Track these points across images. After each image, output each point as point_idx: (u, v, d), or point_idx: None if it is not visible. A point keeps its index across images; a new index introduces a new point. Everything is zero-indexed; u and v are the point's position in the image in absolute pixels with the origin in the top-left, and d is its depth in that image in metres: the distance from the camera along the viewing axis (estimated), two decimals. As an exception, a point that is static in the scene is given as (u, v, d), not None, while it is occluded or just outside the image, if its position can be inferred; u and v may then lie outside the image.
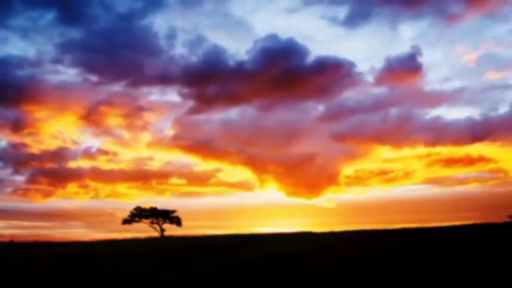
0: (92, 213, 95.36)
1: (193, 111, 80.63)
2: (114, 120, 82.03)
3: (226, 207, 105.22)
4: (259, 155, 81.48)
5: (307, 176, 77.73)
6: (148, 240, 37.07)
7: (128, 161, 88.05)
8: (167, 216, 57.43)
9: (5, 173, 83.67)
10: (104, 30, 75.11)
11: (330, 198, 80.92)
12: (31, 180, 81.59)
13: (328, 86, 78.37)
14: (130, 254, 23.53)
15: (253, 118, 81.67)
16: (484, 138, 72.10)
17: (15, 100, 75.30)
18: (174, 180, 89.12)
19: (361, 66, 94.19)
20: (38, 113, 79.19)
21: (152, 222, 57.27)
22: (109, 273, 17.83)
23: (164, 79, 77.68)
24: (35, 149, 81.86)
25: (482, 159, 78.54)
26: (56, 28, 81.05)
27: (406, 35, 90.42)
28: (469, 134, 71.73)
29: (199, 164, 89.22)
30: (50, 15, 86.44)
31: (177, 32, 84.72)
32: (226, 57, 74.75)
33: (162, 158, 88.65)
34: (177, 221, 57.44)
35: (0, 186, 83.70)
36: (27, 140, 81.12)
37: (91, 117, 79.46)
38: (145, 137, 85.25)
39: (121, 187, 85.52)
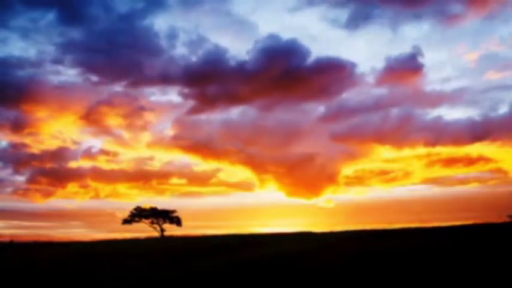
0: (92, 213, 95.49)
1: (193, 111, 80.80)
2: (114, 120, 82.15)
3: (227, 207, 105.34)
4: (259, 155, 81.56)
5: (307, 176, 77.78)
6: (148, 240, 37.07)
7: (128, 161, 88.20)
8: (167, 216, 57.44)
9: (5, 173, 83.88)
10: (104, 30, 75.30)
11: (329, 198, 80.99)
12: (31, 180, 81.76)
13: (329, 86, 78.54)
14: (130, 254, 23.53)
15: (253, 118, 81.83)
16: (484, 138, 72.22)
17: (16, 100, 75.52)
18: (174, 180, 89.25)
19: (362, 67, 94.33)
20: (38, 113, 79.35)
21: (152, 222, 57.28)
22: (109, 273, 17.83)
23: (165, 79, 77.85)
24: (35, 149, 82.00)
25: (482, 159, 78.66)
26: (56, 28, 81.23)
27: (406, 35, 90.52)
28: (469, 134, 71.84)
29: (199, 164, 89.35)
30: (50, 16, 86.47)
31: (177, 32, 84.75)
32: (227, 57, 74.90)
33: (162, 158, 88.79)
34: (177, 221, 57.45)
35: (1, 186, 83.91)
36: (27, 140, 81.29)
37: (91, 117, 79.62)
38: (146, 137, 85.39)
39: (121, 187, 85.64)
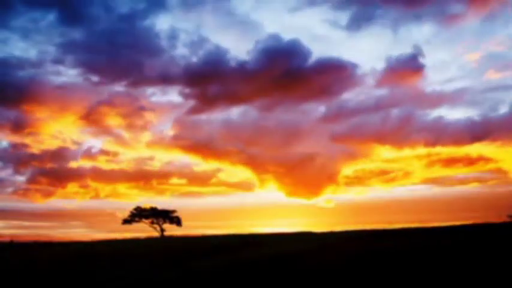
0: (92, 213, 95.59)
1: (193, 111, 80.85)
2: (114, 120, 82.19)
3: (227, 207, 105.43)
4: (259, 155, 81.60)
5: (307, 176, 77.80)
6: (148, 240, 37.06)
7: (128, 161, 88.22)
8: (167, 216, 57.44)
9: (6, 173, 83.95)
10: (104, 30, 75.36)
11: (329, 198, 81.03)
12: (31, 180, 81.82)
13: (330, 86, 78.63)
14: (130, 254, 23.53)
15: (254, 118, 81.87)
16: (484, 138, 72.25)
17: (16, 100, 75.59)
18: (175, 180, 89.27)
19: (363, 67, 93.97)
20: (39, 113, 79.40)
21: (152, 222, 57.28)
22: (109, 273, 17.83)
23: (165, 79, 77.94)
24: (36, 149, 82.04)
25: (482, 159, 78.68)
26: (56, 29, 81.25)
27: (407, 35, 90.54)
28: (469, 134, 71.87)
29: (199, 164, 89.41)
30: (50, 16, 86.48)
31: (178, 33, 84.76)
32: (228, 57, 74.95)
33: (162, 158, 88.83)
34: (177, 221, 57.45)
35: (1, 186, 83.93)
36: (27, 140, 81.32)
37: (91, 117, 79.68)
38: (146, 137, 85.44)
39: (121, 187, 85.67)
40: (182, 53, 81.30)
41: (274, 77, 74.80)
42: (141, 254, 23.25)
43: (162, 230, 56.98)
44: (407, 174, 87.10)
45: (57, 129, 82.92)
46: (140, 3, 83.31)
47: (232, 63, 74.63)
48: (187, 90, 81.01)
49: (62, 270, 19.12)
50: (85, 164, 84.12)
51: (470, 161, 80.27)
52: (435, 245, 18.14)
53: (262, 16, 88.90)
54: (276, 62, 73.02)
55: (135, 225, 57.17)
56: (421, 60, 75.20)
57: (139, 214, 57.11)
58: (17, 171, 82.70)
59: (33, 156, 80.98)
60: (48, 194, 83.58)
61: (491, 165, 79.69)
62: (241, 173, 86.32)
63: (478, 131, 71.27)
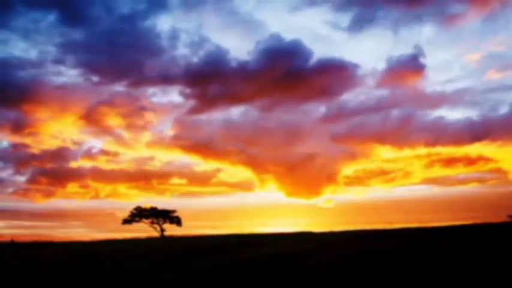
0: (92, 213, 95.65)
1: (194, 111, 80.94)
2: (114, 120, 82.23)
3: (227, 207, 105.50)
4: (260, 155, 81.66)
5: (307, 176, 77.84)
6: (148, 240, 37.08)
7: (128, 161, 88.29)
8: (167, 216, 57.45)
9: (6, 173, 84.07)
10: (105, 31, 75.41)
11: (329, 198, 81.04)
12: (32, 180, 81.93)
13: (330, 87, 78.74)
14: (131, 254, 23.54)
15: (254, 118, 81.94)
16: (484, 138, 72.29)
17: (17, 100, 75.70)
18: (175, 180, 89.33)
19: (364, 68, 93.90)
20: (39, 113, 79.49)
21: (152, 222, 57.29)
22: (109, 273, 17.84)
23: (166, 79, 78.03)
24: (36, 149, 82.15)
25: (482, 159, 78.70)
26: (57, 29, 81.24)
27: (408, 36, 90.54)
28: (468, 134, 71.95)
29: (200, 164, 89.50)
30: (51, 17, 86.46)
31: (179, 33, 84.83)
32: (229, 57, 75.02)
33: (162, 158, 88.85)
34: (177, 221, 57.45)
35: (1, 186, 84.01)
36: (28, 140, 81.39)
37: (92, 118, 79.77)
38: (146, 137, 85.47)
39: (121, 187, 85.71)
40: (183, 53, 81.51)
41: (274, 77, 74.97)
42: (141, 254, 23.26)
43: (162, 230, 56.99)
44: (407, 174, 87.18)
45: (57, 129, 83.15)
46: (141, 3, 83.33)
47: (233, 64, 74.85)
48: (187, 90, 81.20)
49: (62, 270, 19.13)
50: (85, 164, 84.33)
51: (470, 161, 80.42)
52: (435, 245, 18.15)
53: (263, 16, 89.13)
54: (276, 62, 73.19)
55: (135, 225, 57.24)
56: (422, 60, 75.44)
57: (139, 214, 57.12)
58: (17, 171, 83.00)
59: (33, 157, 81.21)
60: (48, 194, 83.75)
61: (491, 165, 79.82)
62: (241, 173, 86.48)
63: (478, 131, 71.43)
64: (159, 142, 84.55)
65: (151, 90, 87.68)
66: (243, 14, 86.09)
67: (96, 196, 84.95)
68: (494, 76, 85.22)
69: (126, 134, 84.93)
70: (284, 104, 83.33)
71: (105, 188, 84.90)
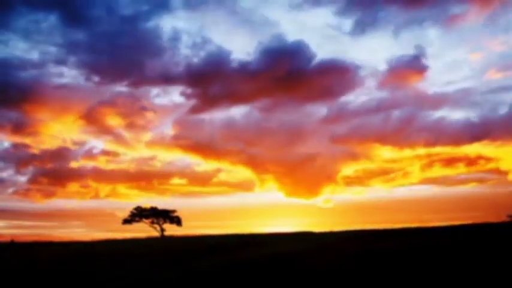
0: (93, 213, 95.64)
1: (194, 111, 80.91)
2: (115, 120, 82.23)
3: (227, 207, 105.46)
4: (260, 155, 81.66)
5: (308, 176, 77.88)
6: (149, 240, 37.10)
7: (129, 161, 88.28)
8: (167, 216, 57.48)
9: (7, 173, 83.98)
10: (107, 31, 75.37)
11: (329, 198, 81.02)
12: (32, 180, 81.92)
13: (332, 88, 78.74)
14: (130, 254, 23.56)
15: (255, 119, 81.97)
16: (484, 138, 72.30)
17: (18, 101, 75.59)
18: (176, 181, 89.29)
19: (365, 69, 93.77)
20: (40, 113, 79.49)
21: (152, 222, 57.32)
22: (109, 273, 17.86)
23: (167, 79, 78.01)
24: (37, 149, 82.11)
25: (482, 159, 78.67)
26: (58, 30, 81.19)
27: (409, 37, 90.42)
28: (468, 134, 71.97)
29: (200, 164, 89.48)
30: (52, 17, 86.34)
31: (180, 33, 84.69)
32: (230, 57, 75.04)
33: (163, 158, 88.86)
34: (177, 221, 57.49)
35: (2, 186, 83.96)
36: (28, 141, 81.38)
37: (92, 118, 79.68)
38: (147, 137, 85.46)
39: (122, 187, 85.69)
40: (184, 53, 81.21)
41: (276, 78, 74.96)
42: (141, 254, 23.28)
43: (162, 230, 57.02)
44: (407, 174, 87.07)
45: (58, 130, 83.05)
46: (143, 4, 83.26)
47: (234, 64, 74.83)
48: (189, 91, 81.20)
49: (62, 270, 19.15)
50: (86, 164, 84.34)
51: (470, 161, 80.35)
52: (435, 245, 18.18)
53: (265, 17, 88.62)
54: (278, 62, 73.16)
55: (135, 225, 57.28)
56: (424, 61, 75.48)
57: (139, 214, 57.15)
58: (18, 172, 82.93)
59: (34, 157, 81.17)
60: (48, 194, 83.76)
61: (491, 165, 79.73)
62: (242, 173, 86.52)
63: (477, 131, 71.46)
64: (159, 142, 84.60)
65: (152, 90, 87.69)
66: (244, 15, 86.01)
67: (96, 196, 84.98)
68: (495, 76, 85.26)
69: (126, 134, 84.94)
70: (285, 104, 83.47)
71: (105, 188, 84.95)
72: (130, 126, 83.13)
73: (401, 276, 12.55)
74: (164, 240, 37.00)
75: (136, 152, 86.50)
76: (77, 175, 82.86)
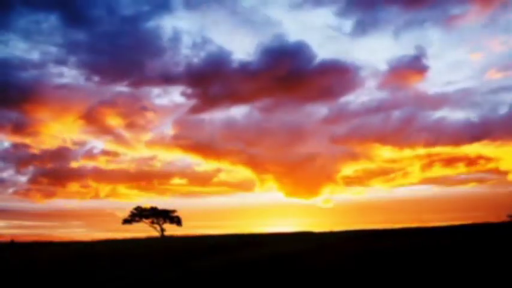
0: (93, 213, 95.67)
1: (195, 111, 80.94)
2: (115, 120, 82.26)
3: (227, 207, 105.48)
4: (260, 155, 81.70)
5: (308, 176, 77.91)
6: (149, 240, 37.11)
7: (129, 161, 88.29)
8: (167, 216, 57.48)
9: (7, 173, 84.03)
10: (107, 32, 75.39)
11: (329, 198, 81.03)
12: (33, 180, 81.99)
13: (332, 88, 78.80)
14: (130, 254, 23.56)
15: (255, 119, 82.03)
16: (484, 138, 72.34)
17: (18, 101, 75.65)
18: (176, 181, 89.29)
19: (365, 69, 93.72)
20: (40, 113, 79.53)
21: (152, 222, 57.32)
22: (109, 273, 17.86)
23: (167, 79, 78.04)
24: (37, 149, 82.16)
25: (482, 159, 78.67)
26: (59, 30, 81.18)
27: (409, 37, 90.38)
28: (468, 134, 72.02)
29: (200, 164, 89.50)
30: (53, 18, 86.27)
31: (181, 33, 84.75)
32: (230, 58, 75.09)
33: (163, 158, 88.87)
34: (177, 221, 57.49)
35: (2, 186, 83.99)
36: (28, 141, 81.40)
37: (93, 118, 79.73)
38: (147, 137, 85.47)
39: (122, 187, 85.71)
40: (185, 53, 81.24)
41: (276, 78, 75.03)
42: (141, 254, 23.28)
43: (162, 230, 57.03)
44: (407, 174, 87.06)
45: (58, 130, 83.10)
46: (143, 4, 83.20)
47: (235, 64, 74.91)
48: (189, 91, 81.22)
49: (62, 270, 19.15)
50: (86, 164, 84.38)
51: (470, 161, 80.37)
52: (435, 245, 18.18)
53: (266, 17, 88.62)
54: (278, 62, 73.25)
55: (135, 225, 57.29)
56: (424, 61, 75.55)
57: (139, 214, 57.15)
58: (18, 172, 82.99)
59: (34, 157, 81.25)
60: (49, 194, 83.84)
61: (491, 165, 79.74)
62: (242, 173, 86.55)
63: (477, 131, 71.50)
64: (159, 142, 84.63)
65: (152, 90, 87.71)
66: (245, 15, 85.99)
67: (97, 196, 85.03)
68: (495, 76, 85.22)
69: (126, 134, 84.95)
70: (285, 104, 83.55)
71: (105, 188, 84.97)
72: (131, 126, 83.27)
73: (401, 276, 12.55)
74: (164, 240, 36.99)
75: (136, 152, 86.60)
76: (77, 175, 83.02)
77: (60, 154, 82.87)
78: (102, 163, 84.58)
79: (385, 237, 25.11)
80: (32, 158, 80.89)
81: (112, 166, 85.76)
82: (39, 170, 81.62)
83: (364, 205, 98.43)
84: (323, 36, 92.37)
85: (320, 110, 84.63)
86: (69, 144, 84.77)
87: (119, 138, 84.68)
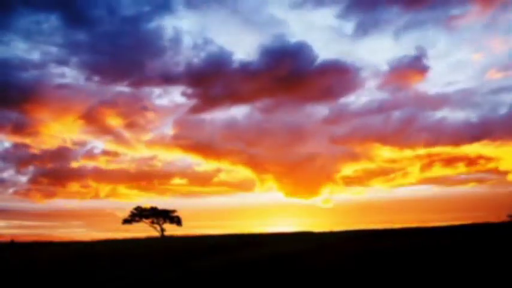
0: (93, 213, 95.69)
1: (195, 111, 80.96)
2: (116, 120, 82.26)
3: (227, 207, 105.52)
4: (260, 155, 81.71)
5: (308, 176, 77.91)
6: (149, 240, 37.10)
7: (129, 161, 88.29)
8: (167, 216, 57.48)
9: (7, 173, 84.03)
10: (108, 32, 75.39)
11: (328, 198, 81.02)
12: (33, 180, 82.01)
13: (333, 88, 78.83)
14: (130, 254, 23.56)
15: (255, 119, 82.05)
16: (484, 138, 72.35)
17: (18, 101, 75.60)
18: (176, 181, 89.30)
19: (366, 70, 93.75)
20: (41, 113, 79.51)
21: (152, 222, 57.32)
22: (109, 273, 17.86)
23: (168, 79, 78.06)
24: (37, 149, 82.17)
25: (482, 159, 78.68)
26: (59, 30, 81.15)
27: (409, 37, 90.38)
28: (468, 134, 72.04)
29: (200, 164, 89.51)
30: (53, 18, 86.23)
31: (182, 33, 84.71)
32: (231, 58, 75.10)
33: (163, 158, 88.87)
34: (177, 221, 57.48)
35: (3, 186, 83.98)
36: (28, 141, 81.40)
37: (93, 118, 79.72)
38: (148, 137, 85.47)
39: (122, 187, 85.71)
40: (185, 53, 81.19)
41: (277, 78, 75.05)
42: (141, 254, 23.28)
43: (162, 230, 57.02)
44: (407, 174, 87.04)
45: (58, 130, 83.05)
46: (144, 5, 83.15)
47: (235, 64, 74.94)
48: (189, 91, 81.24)
49: (62, 270, 19.15)
50: (86, 164, 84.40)
51: (470, 161, 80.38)
52: (435, 245, 18.18)
53: (267, 17, 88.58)
54: (279, 63, 73.27)
55: (135, 225, 57.28)
56: (424, 62, 75.60)
57: (139, 214, 57.15)
58: (18, 172, 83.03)
59: (34, 157, 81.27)
60: (49, 194, 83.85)
61: (491, 165, 79.74)
62: (242, 173, 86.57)
63: (477, 131, 71.53)
64: (160, 142, 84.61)
65: (153, 90, 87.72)
66: (246, 15, 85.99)
67: (97, 196, 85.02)
68: (495, 76, 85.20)
69: (127, 134, 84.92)
70: (286, 104, 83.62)
71: (105, 188, 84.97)
72: (131, 126, 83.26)
73: (401, 276, 12.55)
74: (164, 240, 36.99)
75: (136, 152, 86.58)
76: (77, 175, 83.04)
77: (61, 154, 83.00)
78: (102, 163, 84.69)
79: (385, 237, 25.11)
80: (32, 158, 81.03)
81: (112, 166, 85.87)
82: (39, 170, 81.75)
83: (364, 205, 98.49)
84: (324, 36, 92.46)
85: (320, 110, 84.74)
86: (69, 144, 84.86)
87: (119, 138, 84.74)
